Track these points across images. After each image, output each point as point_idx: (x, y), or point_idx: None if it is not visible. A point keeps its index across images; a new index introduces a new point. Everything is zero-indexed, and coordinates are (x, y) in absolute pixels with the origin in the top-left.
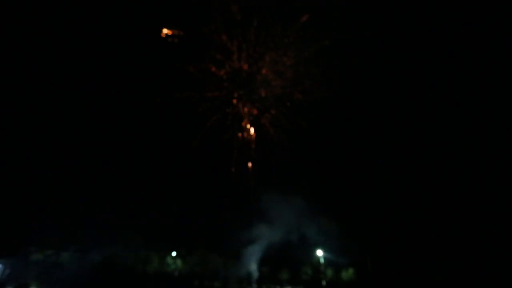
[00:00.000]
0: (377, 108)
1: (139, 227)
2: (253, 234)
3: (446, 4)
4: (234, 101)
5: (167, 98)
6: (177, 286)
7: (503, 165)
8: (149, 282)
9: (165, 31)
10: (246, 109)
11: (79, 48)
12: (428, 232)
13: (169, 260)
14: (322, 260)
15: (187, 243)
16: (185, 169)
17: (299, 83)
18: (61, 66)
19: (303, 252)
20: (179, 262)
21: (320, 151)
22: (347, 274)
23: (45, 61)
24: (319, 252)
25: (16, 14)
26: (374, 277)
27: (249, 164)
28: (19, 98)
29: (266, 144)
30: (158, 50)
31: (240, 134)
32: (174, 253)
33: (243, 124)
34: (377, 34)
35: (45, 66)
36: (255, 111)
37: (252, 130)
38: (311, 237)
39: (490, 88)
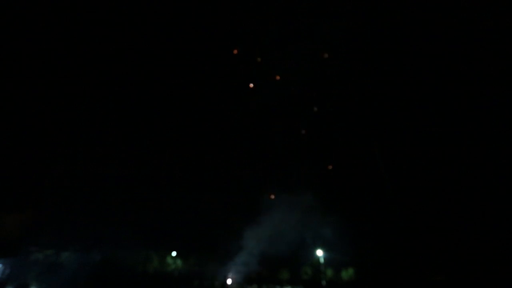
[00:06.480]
0: (378, 108)
1: (139, 227)
2: (254, 233)
3: (447, 5)
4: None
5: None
6: (177, 286)
7: (504, 165)
8: (149, 282)
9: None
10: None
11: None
12: (429, 232)
13: (169, 260)
14: (322, 260)
15: (187, 243)
16: (185, 168)
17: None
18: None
19: (303, 252)
20: (179, 262)
21: (321, 150)
22: (347, 274)
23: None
24: (319, 252)
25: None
26: (374, 277)
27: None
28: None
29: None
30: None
31: None
32: (174, 253)
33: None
34: (379, 34)
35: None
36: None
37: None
38: (312, 237)
39: (492, 89)
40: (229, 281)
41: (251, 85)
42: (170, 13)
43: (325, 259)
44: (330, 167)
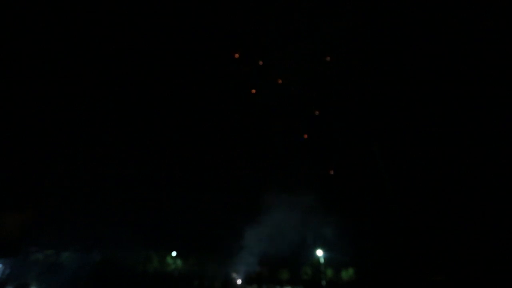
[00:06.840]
0: (378, 109)
1: (139, 227)
2: (253, 233)
3: (447, 5)
4: None
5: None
6: (177, 286)
7: (504, 165)
8: (149, 282)
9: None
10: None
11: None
12: (429, 232)
13: (169, 260)
14: (322, 260)
15: (187, 243)
16: (185, 168)
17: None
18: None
19: (303, 252)
20: (179, 262)
21: (322, 151)
22: (347, 274)
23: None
24: (319, 252)
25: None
26: (374, 277)
27: None
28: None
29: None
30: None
31: None
32: (174, 253)
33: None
34: (379, 36)
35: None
36: None
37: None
38: (312, 237)
39: (492, 89)
40: (239, 282)
41: (253, 90)
42: (172, 17)
43: (325, 259)
44: (332, 172)
